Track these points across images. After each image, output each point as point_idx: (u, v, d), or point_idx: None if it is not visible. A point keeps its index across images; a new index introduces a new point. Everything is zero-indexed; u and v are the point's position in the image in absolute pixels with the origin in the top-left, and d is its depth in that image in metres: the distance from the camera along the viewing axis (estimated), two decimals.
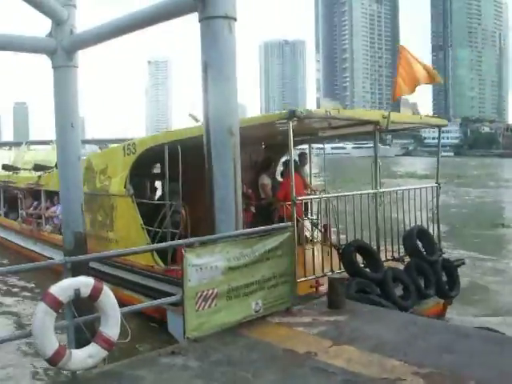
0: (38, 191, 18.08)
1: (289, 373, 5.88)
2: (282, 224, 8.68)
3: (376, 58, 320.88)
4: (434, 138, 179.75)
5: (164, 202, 11.65)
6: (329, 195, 11.40)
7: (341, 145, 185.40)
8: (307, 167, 14.39)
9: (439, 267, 10.44)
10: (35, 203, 18.74)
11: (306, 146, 16.29)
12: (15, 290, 15.00)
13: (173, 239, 10.82)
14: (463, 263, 12.07)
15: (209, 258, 7.00)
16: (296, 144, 13.40)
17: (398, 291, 9.37)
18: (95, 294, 5.76)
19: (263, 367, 6.00)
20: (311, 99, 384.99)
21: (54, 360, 5.49)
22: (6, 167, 22.26)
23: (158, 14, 8.85)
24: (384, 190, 11.36)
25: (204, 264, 6.93)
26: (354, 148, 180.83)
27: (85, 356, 5.69)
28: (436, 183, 11.88)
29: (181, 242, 7.52)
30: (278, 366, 6.04)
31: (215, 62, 7.98)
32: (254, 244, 7.55)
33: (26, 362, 9.59)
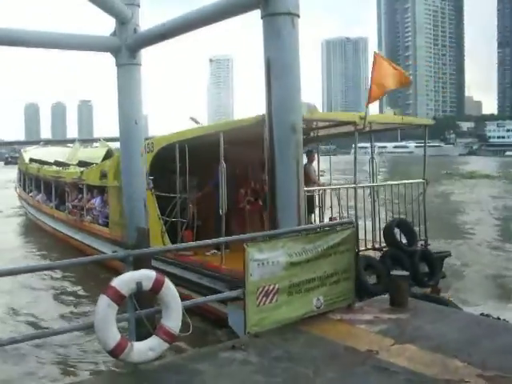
0: (81, 185, 19.77)
1: (350, 371, 5.80)
2: (344, 220, 8.58)
3: (440, 56, 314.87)
4: (498, 137, 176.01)
5: (174, 195, 12.77)
6: (325, 187, 13.43)
7: (403, 143, 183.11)
8: (315, 163, 14.93)
9: (417, 257, 10.95)
10: (79, 196, 20.41)
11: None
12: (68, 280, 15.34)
13: (181, 228, 12.43)
14: (449, 255, 12.63)
15: (271, 253, 6.97)
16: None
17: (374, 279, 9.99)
18: (157, 287, 5.81)
19: (324, 364, 5.93)
20: None
21: (115, 352, 5.57)
22: (57, 163, 24.19)
23: (221, 11, 8.88)
24: (379, 184, 13.00)
25: (266, 259, 6.91)
26: (416, 146, 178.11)
27: (146, 348, 5.75)
28: (423, 179, 12.44)
29: (244, 236, 7.51)
30: (339, 364, 5.96)
31: (278, 59, 7.96)
32: (316, 240, 7.48)
33: (86, 353, 9.78)
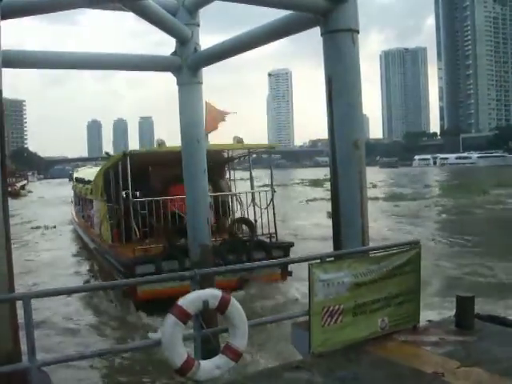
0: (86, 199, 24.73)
1: None
2: (410, 240, 8.43)
3: (501, 64, 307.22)
4: None
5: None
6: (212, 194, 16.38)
7: (465, 154, 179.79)
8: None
9: (251, 246, 15.00)
10: (89, 207, 24.31)
11: None
12: None
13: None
14: (292, 245, 15.49)
15: (336, 273, 6.89)
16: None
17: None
18: (223, 305, 5.83)
19: None
20: (434, 107, 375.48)
21: (183, 370, 5.61)
22: (77, 180, 29.43)
23: (280, 29, 8.93)
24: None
25: (331, 279, 6.84)
26: (479, 157, 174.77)
27: (213, 367, 5.77)
28: (271, 189, 16.70)
29: (305, 256, 7.46)
30: None
31: (339, 76, 7.91)
32: (382, 260, 7.36)
33: (149, 370, 9.93)
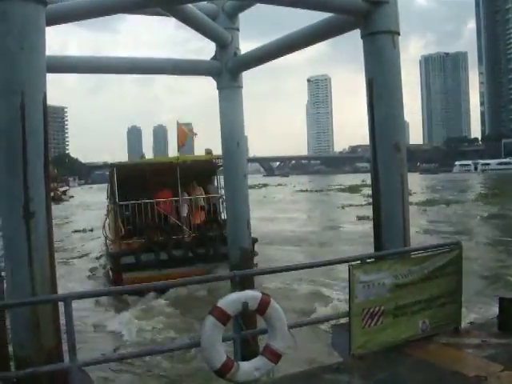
0: None
1: None
2: (452, 241, 8.30)
3: None
4: None
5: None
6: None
7: (506, 160, 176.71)
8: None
9: (217, 240, 17.01)
10: None
11: None
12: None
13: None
14: (256, 241, 16.31)
15: (376, 274, 6.82)
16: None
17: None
18: (263, 307, 5.82)
19: None
20: (475, 112, 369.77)
21: (222, 371, 5.61)
22: None
23: (320, 32, 8.92)
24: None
25: (371, 281, 6.77)
26: None
27: (252, 368, 5.76)
28: (222, 196, 17.45)
29: (345, 258, 7.39)
30: None
31: (380, 78, 7.86)
32: (423, 261, 7.25)
33: (188, 370, 9.97)
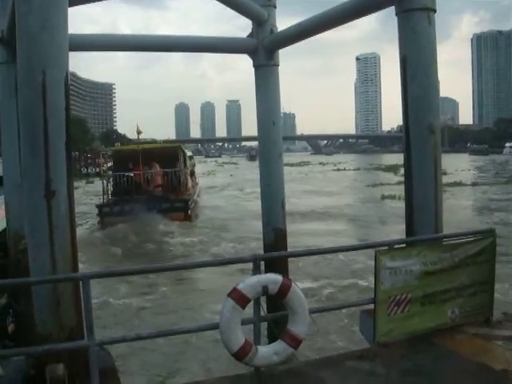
0: None
1: None
2: (485, 228, 8.04)
3: None
4: None
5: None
6: None
7: None
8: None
9: (161, 200, 27.63)
10: None
11: None
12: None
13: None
14: (188, 200, 28.96)
15: (404, 261, 6.65)
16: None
17: None
18: (284, 291, 5.70)
19: (453, 381, 5.61)
20: None
21: (239, 355, 5.53)
22: None
23: (356, 9, 8.67)
24: None
25: (398, 267, 6.60)
26: None
27: (271, 353, 5.67)
28: (182, 170, 30.70)
29: (372, 243, 7.24)
30: (470, 382, 5.61)
31: (414, 56, 7.57)
32: (454, 248, 7.03)
33: (204, 352, 10.13)
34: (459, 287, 7.02)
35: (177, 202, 28.09)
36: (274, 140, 11.29)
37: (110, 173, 32.34)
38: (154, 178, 29.50)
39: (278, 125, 11.31)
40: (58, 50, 5.64)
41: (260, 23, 10.75)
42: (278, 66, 11.24)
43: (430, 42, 7.53)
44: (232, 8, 10.42)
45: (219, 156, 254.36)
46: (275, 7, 10.95)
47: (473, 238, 7.35)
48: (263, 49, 10.84)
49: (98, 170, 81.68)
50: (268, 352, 5.68)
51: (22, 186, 5.87)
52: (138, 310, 13.53)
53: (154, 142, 48.13)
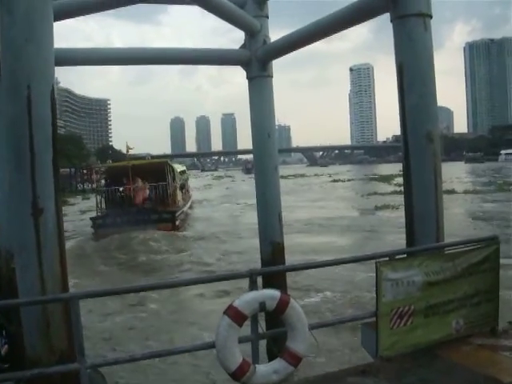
0: None
1: None
2: (488, 235, 7.84)
3: None
4: None
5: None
6: None
7: None
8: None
9: (149, 211, 30.11)
10: None
11: None
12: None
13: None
14: (175, 212, 31.66)
15: (406, 272, 6.44)
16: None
17: None
18: (282, 307, 5.50)
19: None
20: None
21: (237, 375, 5.32)
22: None
23: (349, 18, 8.52)
24: None
25: (400, 278, 6.39)
26: None
27: (270, 371, 5.46)
28: (170, 184, 33.49)
29: (372, 254, 7.02)
30: None
31: (411, 63, 7.38)
32: (456, 257, 6.81)
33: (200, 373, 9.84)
34: (463, 297, 6.81)
35: (164, 213, 30.47)
36: (269, 152, 11.08)
37: (104, 188, 34.17)
38: (142, 192, 32.07)
39: (273, 137, 11.12)
40: (44, 64, 5.50)
41: (253, 34, 10.60)
42: (272, 77, 11.06)
43: (426, 49, 7.35)
44: (224, 19, 10.25)
45: (215, 170, 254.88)
46: (267, 17, 10.80)
47: (475, 246, 7.14)
48: (256, 60, 10.66)
49: (94, 185, 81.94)
50: (267, 371, 5.47)
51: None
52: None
53: (142, 158, 49.34)
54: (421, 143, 7.41)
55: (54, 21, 5.80)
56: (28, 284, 5.53)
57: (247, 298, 5.45)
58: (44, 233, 5.47)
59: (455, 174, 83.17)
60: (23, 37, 5.32)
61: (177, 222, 31.04)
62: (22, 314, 5.67)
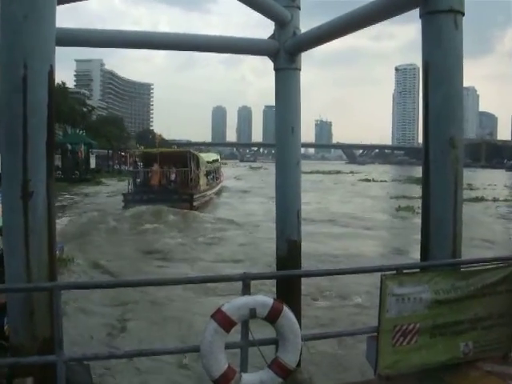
0: None
1: None
2: (508, 255, 7.38)
3: None
4: None
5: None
6: None
7: None
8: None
9: (170, 191, 36.07)
10: None
11: None
12: None
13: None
14: (193, 194, 36.31)
15: (413, 287, 6.07)
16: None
17: None
18: (274, 315, 5.20)
19: None
20: None
21: (220, 382, 5.03)
22: None
23: (378, 12, 8.09)
24: None
25: (407, 294, 6.03)
26: None
27: (256, 381, 5.17)
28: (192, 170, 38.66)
29: (379, 266, 6.66)
30: None
31: (438, 62, 6.92)
32: (471, 276, 6.40)
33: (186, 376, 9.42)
34: (474, 319, 6.39)
35: (184, 194, 35.28)
36: (291, 147, 10.69)
37: (135, 170, 41.44)
38: (159, 175, 37.26)
39: (297, 132, 10.74)
40: (43, 42, 5.26)
41: (282, 24, 10.24)
42: (300, 70, 10.68)
43: (455, 48, 6.88)
44: (254, 8, 9.94)
45: (253, 161, 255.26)
46: (299, 8, 10.41)
47: (492, 266, 6.71)
48: (284, 51, 10.30)
49: (129, 168, 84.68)
50: (253, 381, 5.17)
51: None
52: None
53: (180, 145, 60.11)
54: (443, 149, 6.95)
55: (63, 2, 5.58)
56: (13, 269, 5.34)
57: (237, 303, 5.14)
58: (33, 217, 5.27)
59: (494, 180, 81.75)
60: (22, 13, 5.10)
61: (194, 203, 35.54)
62: (7, 300, 5.50)
